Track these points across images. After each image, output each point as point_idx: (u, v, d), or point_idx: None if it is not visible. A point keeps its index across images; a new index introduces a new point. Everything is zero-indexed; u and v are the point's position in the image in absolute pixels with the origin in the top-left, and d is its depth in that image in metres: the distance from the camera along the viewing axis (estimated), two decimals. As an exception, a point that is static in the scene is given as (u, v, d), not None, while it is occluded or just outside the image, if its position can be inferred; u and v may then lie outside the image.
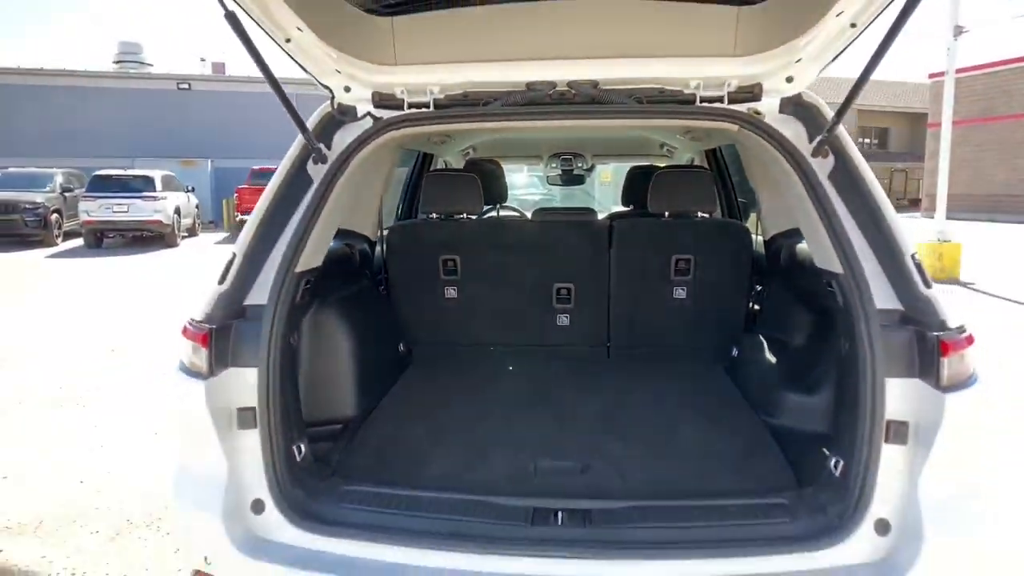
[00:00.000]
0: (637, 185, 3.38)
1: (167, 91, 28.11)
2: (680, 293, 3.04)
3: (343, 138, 2.11)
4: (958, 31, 11.21)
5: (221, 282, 1.94)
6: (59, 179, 18.38)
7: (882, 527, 1.65)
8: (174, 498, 1.92)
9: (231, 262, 1.96)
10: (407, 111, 2.09)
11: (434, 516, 1.80)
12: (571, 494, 1.91)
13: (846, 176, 1.89)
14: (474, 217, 3.28)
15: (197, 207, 21.03)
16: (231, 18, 1.63)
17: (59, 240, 17.52)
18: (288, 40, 1.89)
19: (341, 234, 2.91)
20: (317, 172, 2.06)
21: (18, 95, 26.33)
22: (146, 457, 4.21)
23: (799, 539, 1.65)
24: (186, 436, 1.89)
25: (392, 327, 3.13)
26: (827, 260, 1.94)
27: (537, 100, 2.02)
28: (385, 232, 3.25)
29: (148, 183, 17.34)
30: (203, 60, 33.19)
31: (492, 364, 3.13)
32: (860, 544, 1.64)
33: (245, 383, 1.83)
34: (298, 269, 1.98)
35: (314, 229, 2.00)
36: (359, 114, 2.17)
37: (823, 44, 1.85)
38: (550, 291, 3.12)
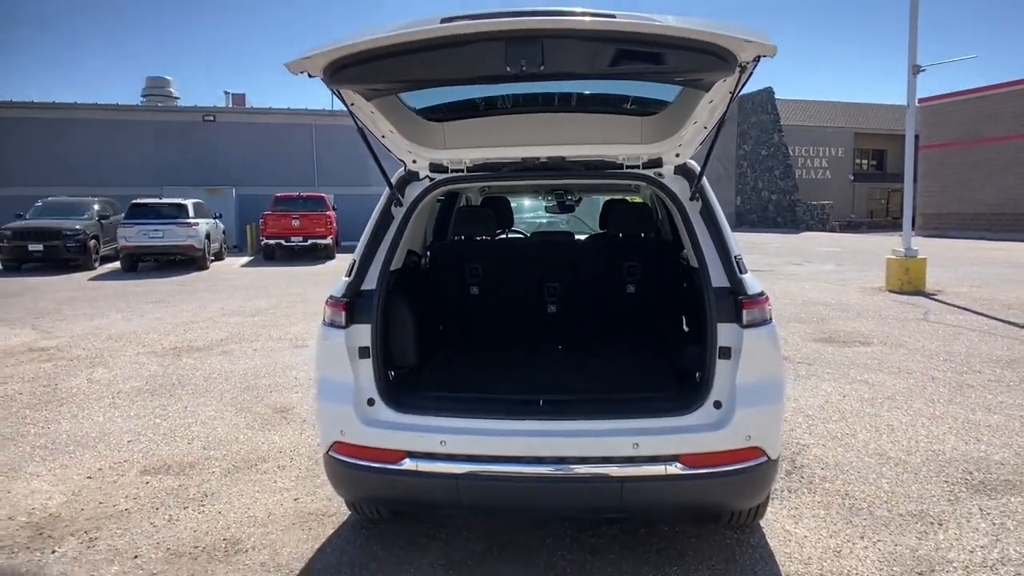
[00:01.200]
0: (605, 214, 4.66)
1: (193, 122, 29.72)
2: (631, 288, 4.30)
3: (411, 191, 3.41)
4: (916, 70, 12.46)
5: (348, 275, 3.23)
6: (96, 207, 19.80)
7: (717, 404, 2.86)
8: (322, 399, 3.14)
9: (353, 264, 3.25)
10: (450, 174, 3.41)
11: (471, 400, 3.14)
12: (548, 392, 3.16)
13: (707, 212, 3.16)
14: (490, 238, 4.57)
15: (224, 232, 22.39)
16: (359, 130, 2.94)
17: (96, 264, 18.87)
18: (384, 136, 3.17)
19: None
20: (398, 212, 3.35)
21: (52, 129, 27.96)
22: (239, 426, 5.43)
23: (672, 409, 2.89)
24: (330, 361, 3.13)
25: (434, 312, 4.39)
26: (693, 260, 3.18)
27: (528, 167, 3.34)
28: (429, 249, 4.60)
29: (181, 210, 18.72)
30: (227, 93, 34.85)
31: (503, 335, 4.41)
32: (705, 413, 2.86)
33: (364, 333, 3.11)
34: (391, 268, 3.25)
35: (399, 245, 3.29)
36: (421, 176, 3.45)
37: (692, 136, 3.13)
38: (542, 287, 4.40)
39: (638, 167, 3.30)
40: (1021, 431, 5.00)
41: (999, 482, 4.11)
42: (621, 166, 3.32)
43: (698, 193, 3.21)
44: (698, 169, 3.27)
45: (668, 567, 3.20)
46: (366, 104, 2.85)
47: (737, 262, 3.01)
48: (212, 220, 20.41)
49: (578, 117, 3.31)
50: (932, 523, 3.59)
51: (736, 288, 2.94)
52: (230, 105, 33.61)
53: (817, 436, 4.94)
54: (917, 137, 28.15)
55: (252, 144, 29.66)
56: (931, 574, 3.11)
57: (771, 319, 2.98)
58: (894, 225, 37.54)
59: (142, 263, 18.77)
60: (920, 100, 33.49)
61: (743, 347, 2.86)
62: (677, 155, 3.26)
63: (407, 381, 3.51)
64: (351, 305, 3.14)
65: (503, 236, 5.27)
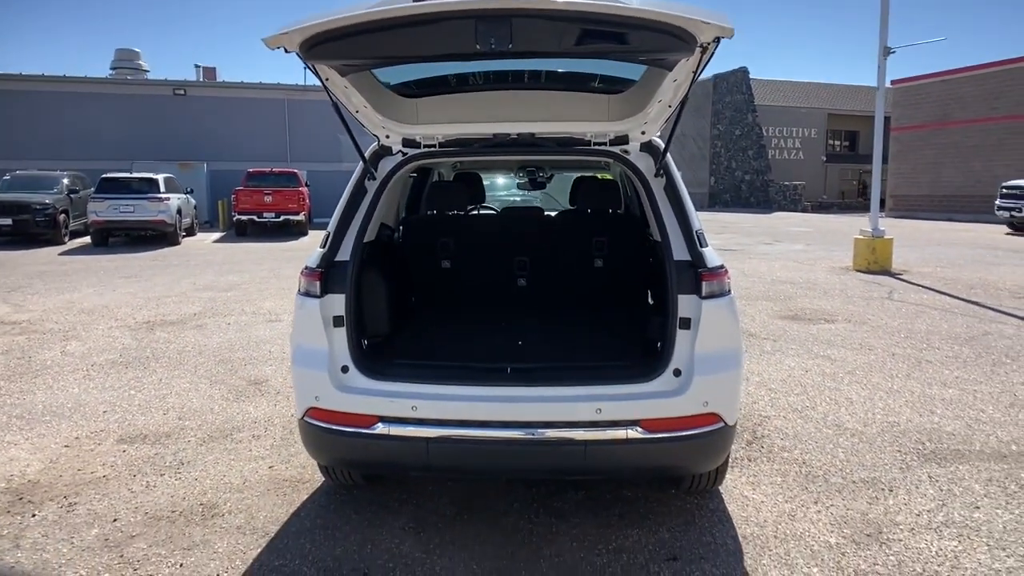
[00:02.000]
0: (575, 190, 4.75)
1: (163, 96, 29.18)
2: (598, 262, 4.41)
3: (385, 165, 3.47)
4: (887, 51, 12.63)
5: (323, 247, 3.28)
6: (66, 181, 19.45)
7: (676, 372, 2.99)
8: (297, 365, 3.22)
9: (328, 236, 3.31)
10: (423, 150, 3.47)
11: (441, 367, 3.24)
12: (516, 361, 3.27)
13: (671, 188, 3.26)
14: (462, 212, 4.64)
15: (195, 208, 22.14)
16: (334, 104, 2.98)
17: (66, 239, 18.60)
18: (358, 111, 3.22)
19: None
20: (371, 186, 3.41)
21: (19, 101, 27.28)
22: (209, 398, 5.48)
23: (633, 377, 3.01)
24: (306, 329, 3.20)
25: (407, 284, 4.47)
26: (656, 235, 3.28)
27: (499, 143, 3.40)
28: (401, 223, 4.66)
29: (152, 185, 18.48)
30: (198, 66, 34.18)
31: (474, 308, 4.50)
32: (665, 380, 2.98)
33: (338, 302, 3.19)
34: (364, 240, 3.32)
35: (372, 218, 3.34)
36: (394, 151, 3.50)
37: (657, 113, 3.22)
38: (512, 262, 4.50)
39: (605, 144, 3.38)
40: (974, 404, 5.21)
41: (949, 451, 4.30)
42: (589, 143, 3.40)
43: (663, 170, 3.30)
44: (663, 146, 3.35)
45: (630, 529, 3.34)
46: (340, 79, 2.90)
47: (698, 236, 3.11)
48: (183, 195, 20.18)
49: (547, 95, 3.38)
50: (883, 489, 3.77)
51: (696, 261, 3.05)
52: (201, 79, 33.02)
53: (778, 408, 5.12)
54: (888, 119, 28.64)
55: (224, 119, 29.20)
56: (879, 535, 3.28)
57: (730, 291, 3.10)
58: (865, 207, 38.01)
59: (113, 238, 18.53)
60: (892, 82, 34.00)
61: (702, 317, 2.98)
62: (643, 132, 3.35)
63: (380, 350, 3.59)
64: (325, 275, 3.20)
65: (474, 212, 5.34)
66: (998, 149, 30.71)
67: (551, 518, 3.48)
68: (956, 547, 3.18)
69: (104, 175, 18.70)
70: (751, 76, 43.50)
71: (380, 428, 3.02)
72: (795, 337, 7.46)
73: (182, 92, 29.20)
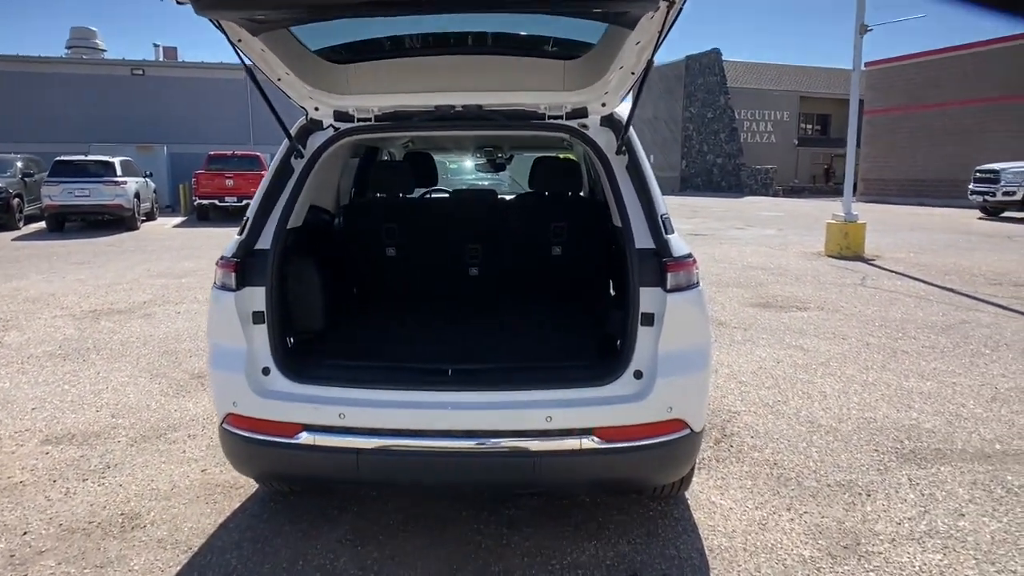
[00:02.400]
0: (534, 171, 4.39)
1: (121, 77, 28.22)
2: (556, 250, 4.07)
3: (314, 142, 3.10)
4: (864, 29, 12.41)
5: (240, 234, 2.92)
6: (19, 164, 18.67)
7: (637, 374, 2.68)
8: (213, 367, 2.88)
9: (246, 221, 2.93)
10: (357, 124, 3.09)
11: (374, 369, 2.89)
12: (462, 361, 2.95)
13: (634, 167, 2.92)
14: (409, 196, 4.26)
15: (155, 192, 21.45)
16: (248, 70, 2.60)
17: (21, 224, 17.88)
18: (279, 79, 2.84)
19: (313, 209, 3.97)
20: (298, 164, 3.04)
21: (-31, 80, 26.22)
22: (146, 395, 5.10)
23: (587, 380, 2.70)
24: (222, 327, 2.86)
25: (347, 275, 4.11)
26: (617, 219, 2.96)
27: (443, 117, 3.04)
28: (343, 207, 4.27)
29: (108, 168, 17.78)
30: (156, 45, 33.11)
31: (421, 300, 4.15)
32: (624, 384, 2.68)
33: (257, 296, 2.84)
34: (288, 226, 2.95)
35: (296, 201, 2.97)
36: (325, 126, 3.13)
37: (618, 82, 2.87)
38: (463, 249, 4.15)
39: (561, 118, 3.04)
40: (953, 398, 5.00)
41: (929, 451, 4.07)
42: (543, 116, 3.05)
43: (625, 146, 2.96)
44: (625, 120, 3.02)
45: (587, 542, 3.05)
46: (254, 40, 2.52)
47: (663, 222, 2.80)
48: (142, 179, 19.48)
49: (495, 60, 3.02)
50: (860, 494, 3.52)
51: (661, 249, 2.72)
52: (160, 59, 31.97)
53: (749, 403, 4.86)
54: (861, 102, 28.73)
55: (184, 100, 28.33)
56: (857, 547, 3.02)
57: (698, 283, 2.80)
58: (836, 191, 38.25)
59: (69, 223, 17.87)
60: (866, 64, 33.85)
61: (667, 313, 2.67)
62: (603, 104, 3.01)
63: (310, 348, 3.26)
64: (243, 266, 2.85)
65: (424, 195, 4.98)
66: (972, 132, 30.82)
67: (502, 528, 3.18)
68: (941, 561, 2.93)
69: (58, 158, 17.96)
70: (724, 58, 43.33)
71: (304, 438, 2.69)
72: (766, 326, 7.23)
73: (140, 72, 28.27)
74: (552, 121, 3.04)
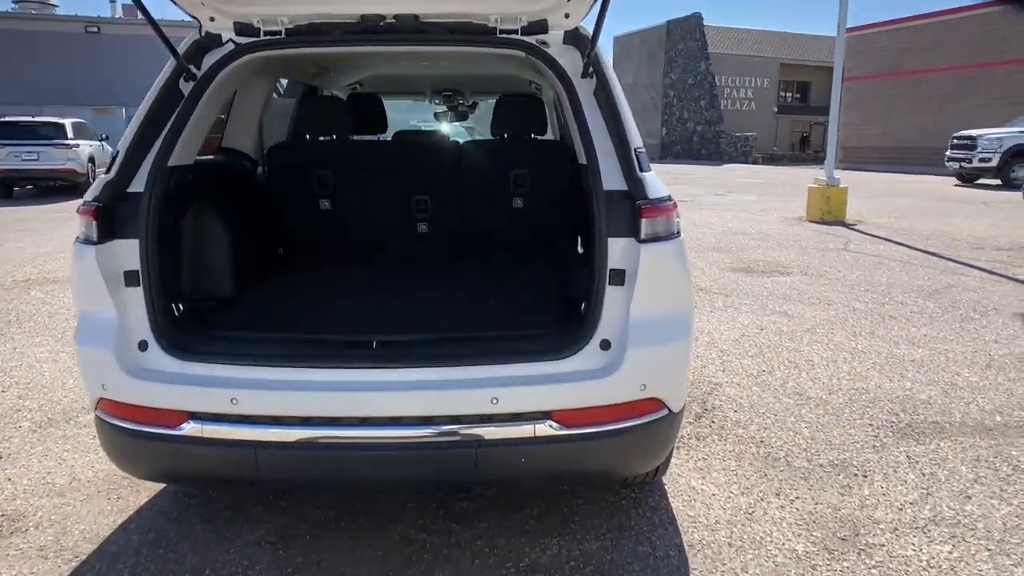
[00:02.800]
0: (494, 113, 3.80)
1: (74, 34, 26.91)
2: (518, 202, 3.57)
3: (209, 61, 2.54)
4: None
5: (107, 172, 2.36)
6: (-36, 126, 17.68)
7: (604, 344, 2.23)
8: (78, 342, 2.35)
9: (115, 157, 2.38)
10: (263, 39, 2.52)
11: (278, 342, 2.38)
12: (395, 331, 2.47)
13: (603, 92, 2.42)
14: (347, 139, 3.68)
15: (114, 157, 20.53)
16: None
17: (-34, 190, 16.98)
18: None
19: (226, 152, 3.44)
20: (187, 88, 2.49)
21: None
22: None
23: (543, 352, 2.24)
24: (84, 291, 2.34)
25: (271, 232, 3.57)
26: (582, 156, 2.46)
27: (369, 29, 2.49)
28: (267, 151, 3.68)
29: (59, 130, 16.85)
30: (113, 1, 31.65)
31: (359, 261, 3.64)
32: (588, 356, 2.22)
33: (130, 251, 2.30)
34: (171, 164, 2.41)
35: (183, 131, 2.43)
36: (223, 40, 2.57)
37: None
38: (409, 203, 3.59)
39: (516, 32, 2.51)
40: (947, 367, 4.64)
41: (927, 424, 3.70)
42: (494, 31, 2.52)
43: (592, 67, 2.45)
44: (591, 34, 2.48)
45: (548, 538, 2.62)
46: None
47: (638, 157, 2.31)
48: (97, 142, 18.55)
49: None
50: (856, 475, 3.13)
51: (634, 191, 2.24)
52: (117, 15, 30.54)
53: (731, 373, 4.46)
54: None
55: (143, 60, 27.07)
56: (856, 539, 2.62)
57: (678, 232, 2.33)
58: (815, 159, 38.01)
59: (19, 189, 16.99)
60: (847, 30, 33.51)
61: (641, 268, 2.20)
62: (566, 15, 2.46)
63: (210, 319, 2.72)
64: (107, 212, 2.30)
65: (365, 139, 4.37)
66: (949, 99, 30.57)
67: (451, 523, 2.74)
68: (951, 554, 2.55)
69: (2, 119, 17.00)
70: (705, 23, 42.62)
71: (190, 428, 2.19)
72: (749, 291, 6.83)
73: (95, 30, 26.99)
74: (505, 36, 2.51)
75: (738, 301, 6.42)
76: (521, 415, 2.17)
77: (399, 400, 2.17)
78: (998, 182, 20.11)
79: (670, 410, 2.28)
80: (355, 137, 3.88)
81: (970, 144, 20.61)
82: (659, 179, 2.42)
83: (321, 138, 3.63)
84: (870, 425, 3.67)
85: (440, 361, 2.22)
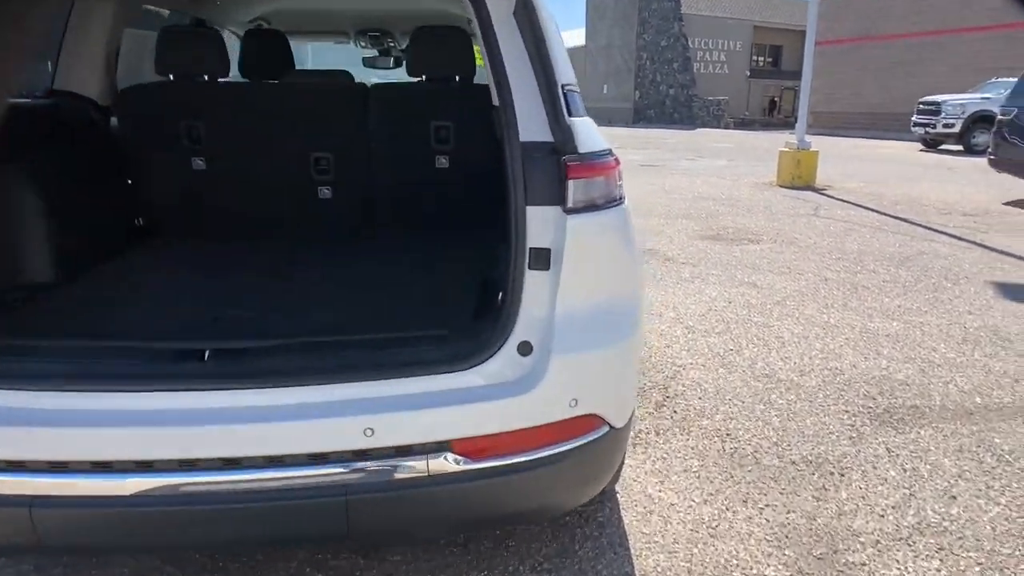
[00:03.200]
0: (411, 49, 3.15)
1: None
2: (442, 162, 3.04)
3: None
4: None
5: None
6: None
7: (524, 348, 1.75)
8: None
9: None
10: None
11: (70, 352, 1.81)
12: (232, 338, 1.93)
13: (525, 11, 1.81)
14: (219, 80, 2.97)
15: None
16: None
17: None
18: None
19: (57, 95, 2.77)
20: None
21: None
22: None
23: (440, 362, 1.73)
24: None
25: (125, 199, 2.96)
26: (495, 95, 1.90)
27: None
28: (119, 95, 2.96)
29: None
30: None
31: (240, 236, 3.01)
32: (501, 365, 1.74)
33: None
34: None
35: None
36: None
37: None
38: (307, 161, 3.01)
39: None
40: (923, 342, 4.35)
41: (906, 409, 3.39)
42: None
43: None
44: None
45: (474, 571, 2.23)
46: None
47: (566, 97, 1.80)
48: None
49: None
50: (832, 473, 2.81)
51: (561, 143, 1.72)
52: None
53: (697, 354, 4.11)
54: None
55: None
56: (834, 557, 2.30)
57: (621, 198, 1.85)
58: (785, 124, 37.80)
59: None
60: (818, -7, 33.07)
61: (568, 246, 1.71)
62: None
63: (17, 312, 2.15)
64: None
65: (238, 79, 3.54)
66: (918, 65, 30.43)
67: (359, 557, 2.32)
68: (938, 571, 2.23)
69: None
70: (677, -17, 41.89)
71: None
72: (717, 260, 6.50)
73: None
74: None
75: (706, 271, 6.09)
76: (408, 448, 1.68)
77: (236, 434, 1.63)
78: (960, 148, 20.08)
79: (611, 426, 1.84)
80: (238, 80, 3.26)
81: (935, 110, 20.49)
82: (596, 128, 1.98)
83: (195, 80, 2.92)
84: (846, 411, 3.36)
85: (293, 378, 1.69)
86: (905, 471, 2.83)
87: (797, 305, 5.11)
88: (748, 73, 45.80)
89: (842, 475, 2.79)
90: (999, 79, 20.98)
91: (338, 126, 2.97)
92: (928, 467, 2.86)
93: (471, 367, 1.72)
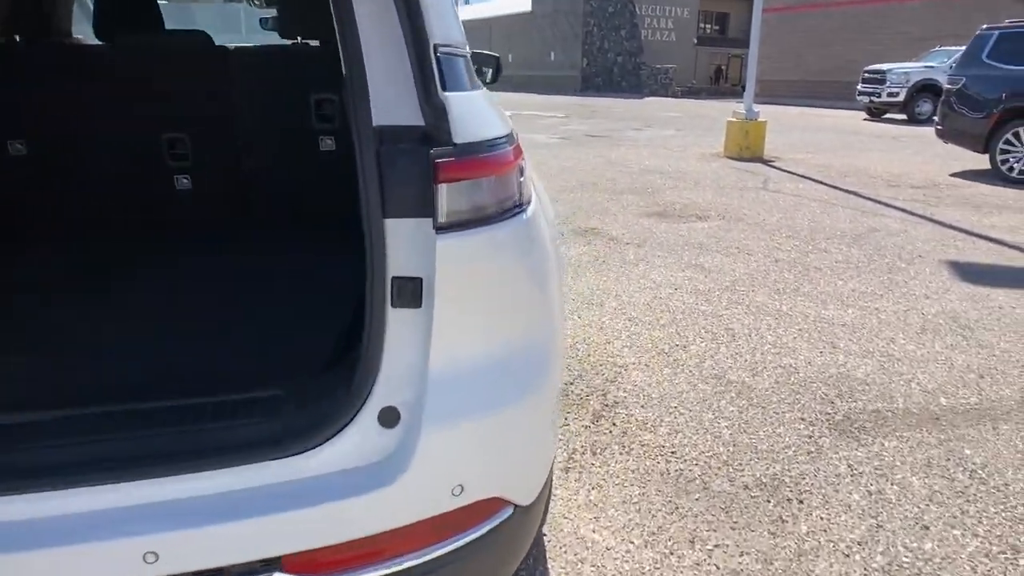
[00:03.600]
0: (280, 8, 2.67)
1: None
2: (328, 143, 2.53)
3: None
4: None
5: None
6: None
7: (388, 417, 1.25)
8: None
9: None
10: None
11: None
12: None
13: None
14: (43, 41, 2.40)
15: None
16: None
17: None
18: None
19: None
20: None
21: None
22: None
23: (263, 444, 1.23)
24: None
25: None
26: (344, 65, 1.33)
27: None
28: None
29: None
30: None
31: (80, 239, 2.45)
32: (357, 442, 1.25)
33: None
34: None
35: None
36: None
37: None
38: (159, 144, 2.45)
39: None
40: (880, 331, 4.06)
41: (867, 414, 3.08)
42: None
43: None
44: None
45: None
46: None
47: (439, 63, 1.27)
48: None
49: None
50: (790, 500, 2.46)
51: (433, 128, 1.22)
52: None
53: (640, 350, 3.74)
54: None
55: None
56: (795, 619, 1.95)
57: (522, 204, 1.36)
58: (732, 92, 37.79)
59: None
60: (765, -40, 32.84)
61: (441, 276, 1.23)
62: None
63: None
64: None
65: (84, 41, 2.85)
66: (861, 33, 30.62)
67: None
68: (918, 631, 1.90)
69: None
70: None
71: None
72: (663, 240, 6.14)
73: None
74: None
75: (652, 253, 5.72)
76: (215, 574, 1.19)
77: None
78: (904, 117, 20.21)
79: (517, 505, 1.39)
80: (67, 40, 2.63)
81: (880, 78, 20.54)
82: (491, 105, 1.49)
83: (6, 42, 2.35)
84: (802, 419, 3.02)
85: (35, 479, 1.14)
86: (870, 494, 2.50)
87: (747, 291, 4.78)
88: (695, 41, 45.61)
89: (801, 502, 2.45)
90: (943, 47, 21.17)
91: (193, 101, 2.42)
92: (895, 488, 2.54)
93: (311, 448, 1.23)
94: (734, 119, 12.08)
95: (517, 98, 29.29)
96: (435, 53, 1.24)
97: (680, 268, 5.29)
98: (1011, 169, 9.67)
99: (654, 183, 9.13)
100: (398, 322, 1.23)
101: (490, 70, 3.73)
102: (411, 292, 1.22)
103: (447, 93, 1.24)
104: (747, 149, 11.72)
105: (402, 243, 1.22)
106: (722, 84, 44.24)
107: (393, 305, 1.22)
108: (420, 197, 1.20)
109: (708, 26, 47.62)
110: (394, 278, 1.22)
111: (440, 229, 1.21)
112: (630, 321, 4.16)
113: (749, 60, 12.42)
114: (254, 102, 2.40)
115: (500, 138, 1.32)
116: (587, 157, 11.45)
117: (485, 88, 1.80)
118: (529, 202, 1.39)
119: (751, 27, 12.23)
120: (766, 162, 11.30)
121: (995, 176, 9.74)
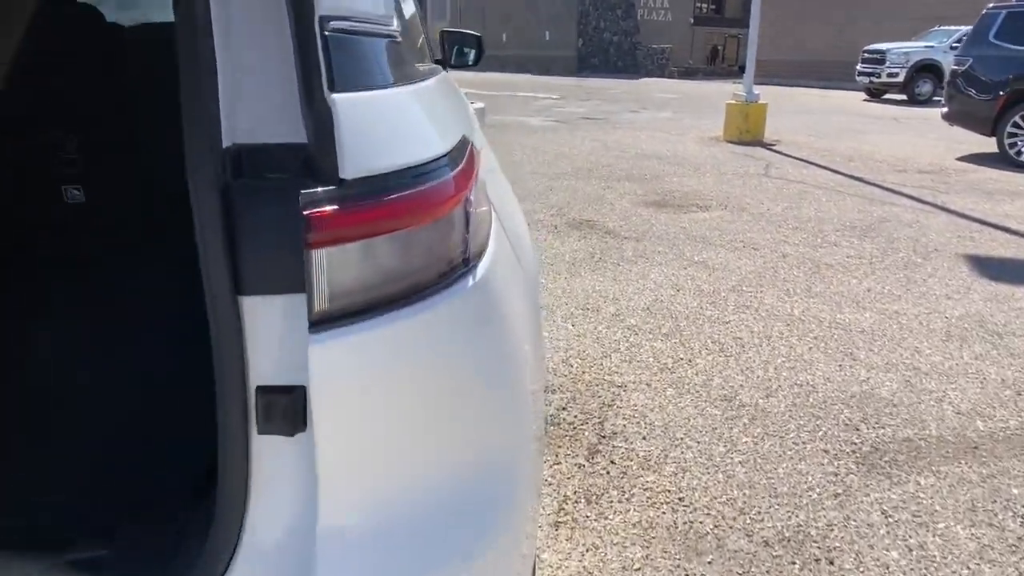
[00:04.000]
0: None
1: None
2: None
3: None
4: None
5: None
6: None
7: None
8: None
9: None
10: None
11: None
12: None
13: None
14: None
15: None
16: None
17: None
18: None
19: None
20: None
21: None
22: None
23: None
24: None
25: None
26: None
27: None
28: None
29: None
30: None
31: None
32: None
33: None
34: None
35: None
36: None
37: None
38: (41, 146, 1.99)
39: None
40: (902, 339, 3.70)
41: (897, 444, 2.72)
42: None
43: None
44: None
45: None
46: None
47: (326, 45, 0.79)
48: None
49: None
50: (818, 561, 2.10)
51: (315, 151, 0.79)
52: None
53: (640, 366, 3.37)
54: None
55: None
56: None
57: (470, 259, 0.94)
58: (729, 73, 37.26)
59: None
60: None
61: (327, 388, 0.79)
62: None
63: None
64: None
65: None
66: (861, 12, 30.10)
67: None
68: None
69: None
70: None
71: None
72: (663, 233, 5.75)
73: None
74: None
75: (651, 248, 5.34)
76: None
77: None
78: (904, 97, 19.80)
79: None
80: None
81: (879, 58, 20.11)
82: (425, 103, 1.07)
83: None
84: (825, 452, 2.66)
85: None
86: (910, 550, 2.14)
87: (755, 292, 4.41)
88: (692, 20, 44.87)
89: (831, 562, 2.08)
90: (943, 27, 20.70)
91: (81, 91, 1.98)
92: (938, 541, 2.18)
93: None
94: (733, 101, 11.67)
95: (512, 79, 28.73)
96: (321, 29, 0.80)
97: (682, 265, 4.91)
98: (1019, 153, 9.31)
99: (652, 169, 8.73)
100: (270, 456, 0.82)
101: (471, 51, 3.38)
102: (286, 410, 0.81)
103: (338, 95, 0.80)
104: (747, 132, 11.31)
105: (270, 333, 0.81)
106: (719, 65, 43.58)
107: (260, 431, 0.82)
108: (291, 263, 0.79)
109: (704, 5, 46.83)
110: (259, 388, 0.81)
111: (316, 324, 0.79)
112: (629, 330, 3.79)
113: (749, 41, 12.00)
114: (154, 92, 1.93)
115: (428, 162, 0.89)
116: (583, 141, 11.03)
117: (445, 73, 1.40)
118: (482, 252, 0.98)
119: (751, 6, 11.79)
120: (767, 146, 10.91)
121: (1003, 160, 9.38)
